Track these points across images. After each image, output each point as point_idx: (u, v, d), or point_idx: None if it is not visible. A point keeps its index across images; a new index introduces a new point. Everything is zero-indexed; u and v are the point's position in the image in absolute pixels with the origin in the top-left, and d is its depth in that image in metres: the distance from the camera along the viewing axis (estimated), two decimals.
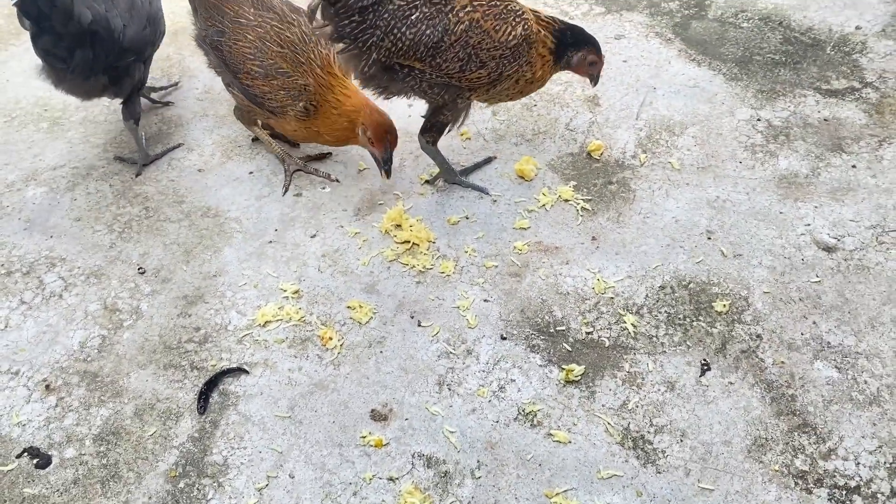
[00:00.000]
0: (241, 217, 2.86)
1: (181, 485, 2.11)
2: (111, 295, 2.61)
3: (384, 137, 2.58)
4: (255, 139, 3.14)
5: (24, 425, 2.26)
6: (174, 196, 2.96)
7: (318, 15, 2.48)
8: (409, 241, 2.70)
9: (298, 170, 3.01)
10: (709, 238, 2.70)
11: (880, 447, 2.12)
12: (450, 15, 2.48)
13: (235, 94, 2.90)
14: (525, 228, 2.76)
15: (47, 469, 2.16)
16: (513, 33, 2.52)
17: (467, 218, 2.81)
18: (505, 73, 2.58)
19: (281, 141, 3.10)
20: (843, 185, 2.86)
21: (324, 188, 2.96)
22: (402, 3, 2.48)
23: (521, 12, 2.56)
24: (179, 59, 3.63)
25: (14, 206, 2.94)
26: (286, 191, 2.95)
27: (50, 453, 2.19)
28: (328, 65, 2.65)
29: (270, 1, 2.78)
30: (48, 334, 2.49)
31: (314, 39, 2.66)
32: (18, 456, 2.19)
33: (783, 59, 3.44)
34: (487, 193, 2.88)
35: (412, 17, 2.47)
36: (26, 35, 3.77)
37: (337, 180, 2.98)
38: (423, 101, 2.73)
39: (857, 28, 3.59)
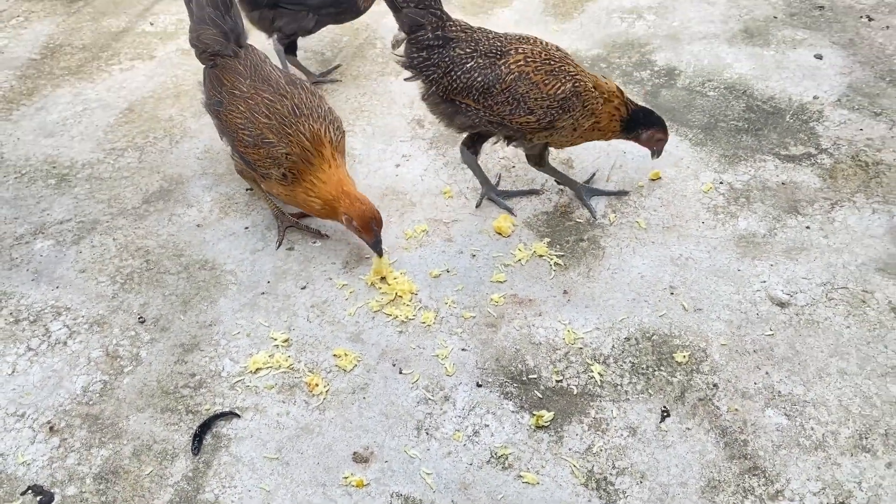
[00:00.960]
0: (236, 269, 3.06)
1: None
2: (113, 342, 2.79)
3: (370, 225, 2.79)
4: (250, 189, 3.35)
5: (28, 464, 2.41)
6: (174, 249, 3.16)
7: (401, 47, 2.99)
8: (393, 293, 2.89)
9: (291, 226, 3.21)
10: (672, 293, 2.90)
11: (823, 489, 2.30)
12: (502, 67, 2.85)
13: (235, 160, 3.12)
14: (502, 282, 2.96)
15: None
16: (562, 88, 2.86)
17: (448, 271, 3.01)
18: (557, 123, 2.89)
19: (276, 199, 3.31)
20: (798, 244, 3.08)
21: (314, 242, 3.17)
22: (462, 52, 2.87)
23: (574, 73, 2.88)
24: (182, 121, 3.87)
25: (23, 258, 3.14)
26: (279, 245, 3.15)
27: (53, 491, 2.34)
28: (317, 140, 2.84)
29: (269, 74, 3.01)
30: (53, 379, 2.66)
31: (306, 113, 2.87)
32: (23, 493, 2.34)
33: (746, 125, 3.70)
34: (512, 213, 3.23)
35: (467, 65, 2.87)
36: (38, 95, 4.03)
37: (326, 236, 3.19)
38: (495, 135, 3.11)
39: (815, 98, 3.85)
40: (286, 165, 2.82)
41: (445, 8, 2.96)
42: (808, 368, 2.62)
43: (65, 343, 2.79)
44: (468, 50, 2.89)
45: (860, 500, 2.27)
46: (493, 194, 3.28)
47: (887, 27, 4.37)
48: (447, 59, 2.89)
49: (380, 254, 2.88)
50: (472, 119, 2.97)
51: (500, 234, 3.16)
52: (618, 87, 3.00)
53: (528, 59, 2.87)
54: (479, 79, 2.87)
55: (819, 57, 4.15)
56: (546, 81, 2.86)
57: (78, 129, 3.83)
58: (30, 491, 2.34)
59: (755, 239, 3.11)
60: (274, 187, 2.94)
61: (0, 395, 2.62)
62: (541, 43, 2.95)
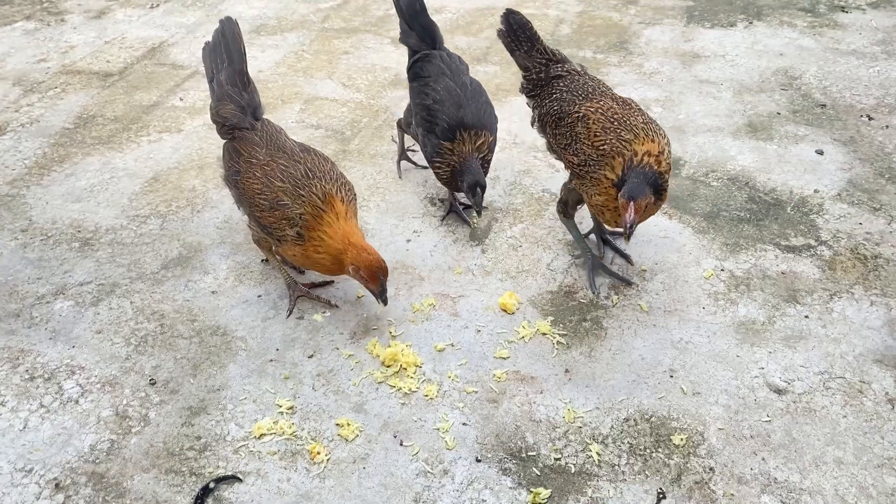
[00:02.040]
0: (246, 336, 3.15)
1: None
2: (123, 403, 2.86)
3: (376, 274, 2.90)
4: (265, 260, 3.47)
5: None
6: (188, 315, 3.26)
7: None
8: (398, 365, 2.97)
9: (302, 295, 3.32)
10: (671, 376, 2.95)
11: None
12: (579, 106, 3.12)
13: (252, 226, 3.26)
14: (505, 358, 3.03)
15: None
16: (606, 143, 2.98)
17: (453, 345, 3.09)
18: (588, 173, 3.03)
19: (290, 268, 3.43)
20: (796, 333, 3.14)
21: (324, 312, 3.26)
22: (558, 88, 3.29)
23: (627, 139, 2.96)
24: (204, 191, 4.03)
25: (42, 317, 3.24)
26: (290, 314, 3.24)
27: None
28: (329, 198, 2.98)
29: (283, 143, 3.20)
30: (62, 436, 2.73)
31: (318, 175, 3.03)
32: None
33: (747, 216, 3.81)
34: (629, 283, 3.40)
35: (555, 97, 3.28)
36: (69, 162, 4.21)
37: (336, 306, 3.28)
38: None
39: (816, 191, 3.97)
40: (300, 225, 2.95)
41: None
42: (804, 456, 2.65)
43: (76, 401, 2.86)
44: (563, 87, 3.27)
45: None
46: (594, 264, 3.43)
47: (887, 126, 4.53)
48: (545, 93, 3.34)
49: (384, 302, 2.98)
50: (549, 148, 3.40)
51: (505, 310, 3.25)
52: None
53: (602, 110, 3.07)
54: (556, 108, 3.22)
55: (820, 152, 4.29)
56: (597, 132, 3.02)
57: (104, 196, 3.99)
58: None
59: (754, 326, 3.17)
60: (290, 249, 3.05)
61: (10, 449, 2.68)
62: (629, 105, 3.13)
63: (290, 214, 2.99)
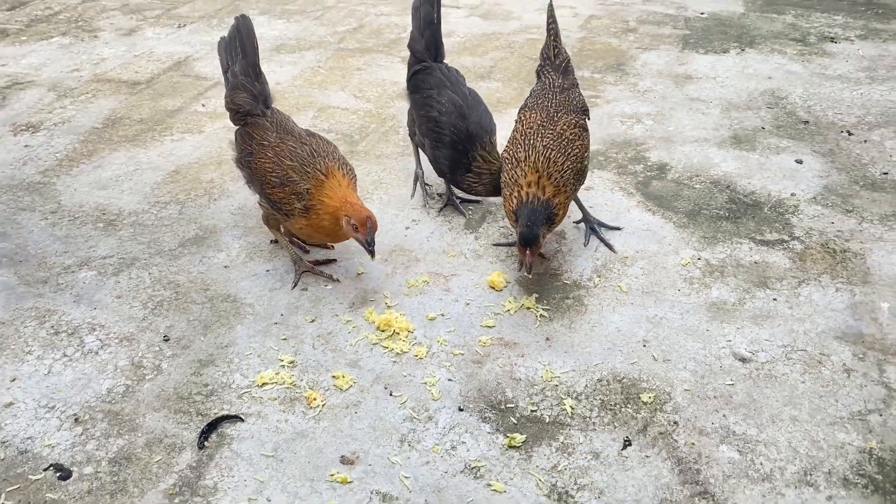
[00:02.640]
0: (254, 303, 3.41)
1: (176, 500, 2.53)
2: (138, 355, 3.12)
3: (365, 223, 3.18)
4: (274, 241, 3.76)
5: (52, 447, 2.71)
6: (201, 285, 3.53)
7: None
8: (391, 329, 3.22)
9: (307, 271, 3.59)
10: (644, 346, 3.18)
11: None
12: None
13: (262, 203, 3.55)
14: (491, 327, 3.28)
15: (68, 481, 2.59)
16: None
17: (443, 315, 3.34)
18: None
19: (296, 247, 3.71)
20: (764, 313, 3.37)
21: (326, 286, 3.53)
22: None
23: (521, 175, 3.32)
24: (221, 183, 4.34)
25: (67, 284, 3.53)
26: (295, 286, 3.51)
27: (71, 469, 2.63)
28: (330, 171, 3.29)
29: (292, 128, 3.53)
30: (82, 381, 2.99)
31: (322, 154, 3.35)
32: (45, 469, 2.62)
33: (726, 214, 4.06)
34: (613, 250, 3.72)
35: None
36: (97, 156, 4.54)
37: (338, 280, 3.55)
38: None
39: (793, 195, 4.23)
40: (307, 198, 3.24)
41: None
42: (762, 414, 2.87)
43: (96, 353, 3.13)
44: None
45: None
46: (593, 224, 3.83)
47: (865, 141, 4.79)
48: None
49: (371, 254, 3.24)
50: None
51: (493, 288, 3.50)
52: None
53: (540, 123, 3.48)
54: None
55: (800, 161, 4.55)
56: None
57: (128, 185, 4.31)
58: (51, 468, 2.63)
59: (725, 306, 3.41)
60: (297, 222, 3.33)
61: (35, 390, 2.94)
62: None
63: (298, 189, 3.28)
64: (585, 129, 3.57)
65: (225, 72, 3.72)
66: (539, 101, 3.54)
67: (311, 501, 2.53)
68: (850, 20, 6.83)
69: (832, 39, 6.38)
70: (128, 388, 2.96)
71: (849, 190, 4.28)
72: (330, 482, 2.59)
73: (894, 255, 3.74)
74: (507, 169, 3.38)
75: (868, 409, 2.89)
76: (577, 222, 3.91)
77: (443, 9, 4.17)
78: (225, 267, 3.66)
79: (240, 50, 3.67)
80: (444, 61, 4.18)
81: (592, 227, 3.84)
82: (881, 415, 2.87)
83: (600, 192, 4.25)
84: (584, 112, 3.70)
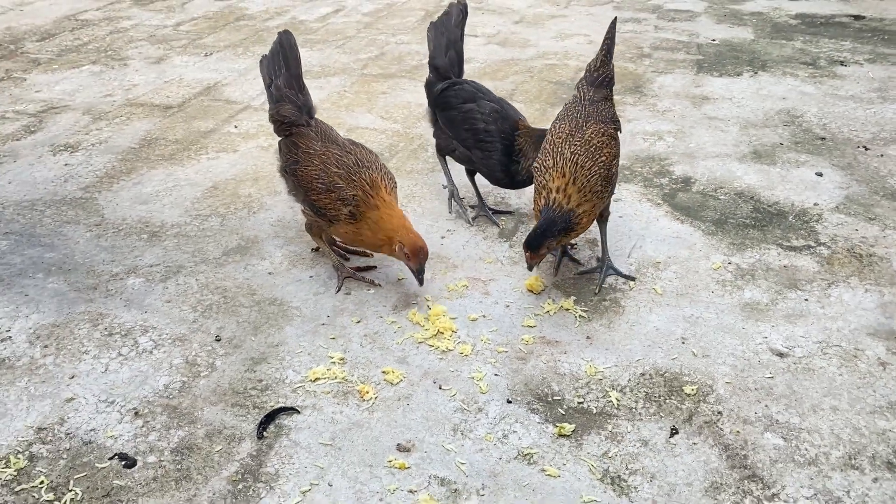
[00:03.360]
0: (300, 306, 3.51)
1: (240, 486, 2.60)
2: (192, 354, 3.21)
3: (418, 254, 3.32)
4: (316, 249, 3.87)
5: (115, 438, 2.79)
6: (248, 290, 3.64)
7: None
8: (435, 329, 3.31)
9: (349, 276, 3.70)
10: (683, 343, 3.28)
11: (815, 495, 2.57)
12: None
13: (306, 211, 3.67)
14: (532, 327, 3.37)
15: (133, 469, 2.66)
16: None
17: (484, 317, 3.44)
18: None
19: (337, 254, 3.82)
20: (797, 312, 3.46)
21: (368, 290, 3.63)
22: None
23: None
24: (259, 197, 4.46)
25: (117, 290, 3.63)
26: (338, 290, 3.61)
27: (136, 458, 2.70)
28: (374, 185, 3.42)
29: (336, 137, 3.66)
30: (139, 377, 3.08)
31: (366, 164, 3.48)
32: (110, 458, 2.70)
33: (752, 222, 4.18)
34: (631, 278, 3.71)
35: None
36: (136, 173, 4.68)
37: (379, 285, 3.65)
38: None
39: (815, 204, 4.35)
40: (353, 204, 3.36)
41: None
42: (803, 404, 2.95)
43: (151, 352, 3.22)
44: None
45: None
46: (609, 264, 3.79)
47: (882, 155, 4.93)
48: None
49: (420, 282, 3.37)
50: None
51: (531, 291, 3.60)
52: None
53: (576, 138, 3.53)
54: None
55: (820, 174, 4.68)
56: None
57: (168, 199, 4.44)
58: (116, 457, 2.70)
59: (758, 306, 3.50)
60: (342, 228, 3.45)
61: (94, 386, 3.03)
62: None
63: (344, 196, 3.41)
64: (614, 139, 3.68)
65: (268, 86, 3.87)
66: (569, 113, 3.66)
67: (372, 485, 2.60)
68: (858, 45, 7.03)
69: (842, 63, 6.57)
70: (184, 384, 3.05)
71: (870, 200, 4.40)
72: (388, 468, 2.66)
73: None
74: (536, 177, 3.49)
75: None
76: (598, 260, 3.84)
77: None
78: (269, 273, 3.76)
79: (283, 63, 3.82)
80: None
81: (610, 268, 3.74)
82: None
83: (629, 203, 4.37)
84: (615, 123, 3.81)
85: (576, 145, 3.43)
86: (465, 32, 4.36)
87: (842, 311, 3.47)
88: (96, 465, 2.68)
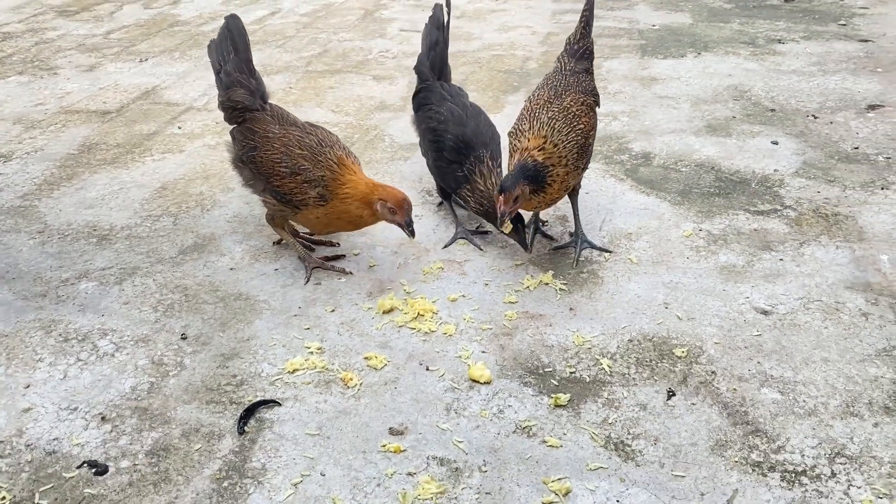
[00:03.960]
0: (268, 299, 3.34)
1: (225, 484, 2.42)
2: (158, 354, 3.01)
3: (403, 205, 3.18)
4: (278, 242, 3.70)
5: (82, 445, 2.57)
6: (210, 287, 3.44)
7: None
8: (415, 312, 3.18)
9: (317, 266, 3.53)
10: (666, 307, 3.22)
11: (820, 443, 2.53)
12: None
13: (267, 200, 3.50)
14: (513, 303, 3.27)
15: (105, 476, 2.46)
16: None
17: (464, 296, 3.32)
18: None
19: (302, 244, 3.65)
20: (774, 272, 3.45)
21: (339, 279, 3.48)
22: None
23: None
24: (211, 195, 4.26)
25: (69, 296, 3.39)
26: (307, 281, 3.45)
27: (107, 464, 2.49)
28: (342, 162, 3.29)
29: (294, 119, 3.51)
30: (102, 382, 2.86)
31: (329, 144, 3.34)
32: (78, 467, 2.49)
33: (717, 191, 4.18)
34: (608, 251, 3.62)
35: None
36: (78, 179, 4.43)
37: (351, 273, 3.51)
38: None
39: (776, 171, 4.38)
40: (321, 185, 3.22)
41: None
42: (794, 358, 2.92)
43: (112, 355, 3.00)
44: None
45: (853, 451, 2.50)
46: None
47: (831, 122, 5.01)
48: None
49: (412, 234, 3.25)
50: None
51: (474, 380, 2.89)
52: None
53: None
54: None
55: (775, 143, 4.73)
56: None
57: (116, 202, 4.20)
58: (85, 464, 2.49)
59: (735, 269, 3.48)
60: (311, 214, 3.29)
61: (53, 394, 2.80)
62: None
63: (311, 177, 3.26)
64: (593, 110, 3.62)
65: (217, 73, 3.69)
66: (549, 82, 3.60)
67: (368, 471, 2.45)
68: (792, 25, 7.19)
69: (780, 41, 6.71)
70: (153, 385, 2.85)
71: (826, 164, 4.46)
72: (383, 452, 2.52)
73: (881, 215, 3.89)
74: (511, 141, 3.41)
75: (892, 346, 2.97)
76: (571, 235, 3.77)
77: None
78: (231, 269, 3.58)
79: (232, 48, 3.64)
80: (449, 81, 4.21)
81: (584, 241, 3.66)
82: None
83: (593, 180, 4.32)
84: (594, 96, 3.74)
85: (553, 111, 3.36)
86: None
87: (817, 267, 3.47)
88: (63, 475, 2.46)
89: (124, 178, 4.48)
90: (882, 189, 4.14)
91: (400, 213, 3.20)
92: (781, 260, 3.54)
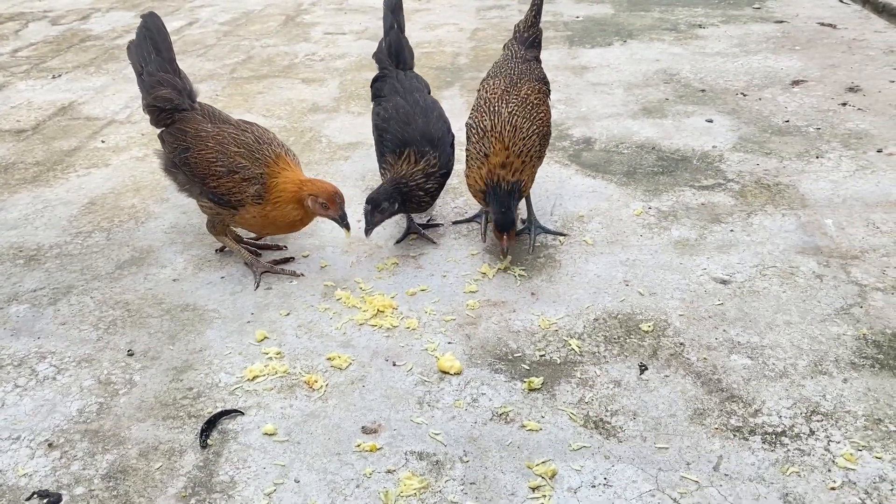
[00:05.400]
0: (218, 308, 3.17)
1: (192, 501, 2.26)
2: (104, 373, 2.82)
3: (334, 198, 3.08)
4: (221, 249, 3.53)
5: (30, 475, 2.37)
6: (153, 300, 3.26)
7: None
8: (374, 309, 3.07)
9: (266, 271, 3.39)
10: (626, 285, 3.20)
11: (795, 403, 2.54)
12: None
13: (204, 205, 3.33)
14: (474, 292, 3.20)
15: None
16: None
17: (423, 290, 3.23)
18: None
19: (248, 250, 3.50)
20: (727, 243, 3.48)
21: (291, 282, 3.34)
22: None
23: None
24: (144, 207, 4.06)
25: None
26: (257, 286, 3.30)
27: (60, 492, 2.30)
28: (279, 160, 3.17)
29: (226, 117, 3.37)
30: (45, 407, 2.66)
31: (266, 141, 3.22)
32: (28, 498, 2.29)
33: (660, 170, 4.21)
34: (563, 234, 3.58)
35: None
36: (2, 196, 4.15)
37: (302, 274, 3.37)
38: None
39: (714, 147, 4.45)
40: (260, 183, 3.09)
41: None
42: (758, 323, 2.93)
43: (54, 378, 2.80)
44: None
45: (827, 408, 2.52)
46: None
47: (760, 99, 5.13)
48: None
49: (347, 227, 3.13)
50: None
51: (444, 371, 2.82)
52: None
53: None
54: None
55: (710, 121, 4.81)
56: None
57: (41, 221, 3.95)
58: (35, 496, 2.30)
59: (689, 242, 3.50)
60: (248, 214, 3.15)
61: None
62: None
63: (249, 175, 3.12)
64: (548, 96, 3.60)
65: (140, 74, 3.48)
66: (501, 70, 3.54)
67: (345, 473, 2.33)
68: (710, 10, 7.38)
69: (700, 26, 6.86)
70: (102, 406, 2.66)
71: (761, 137, 4.55)
72: (358, 452, 2.40)
73: (820, 182, 3.99)
74: (473, 140, 3.33)
75: (849, 304, 3.02)
76: (524, 222, 3.70)
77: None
78: (174, 280, 3.39)
79: (153, 48, 3.45)
80: (410, 68, 3.99)
81: (538, 226, 3.62)
82: (861, 307, 3.00)
83: (539, 167, 4.28)
84: (546, 84, 3.71)
85: (513, 104, 3.31)
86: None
87: (767, 236, 3.52)
88: None
89: (48, 196, 4.23)
90: (817, 158, 4.24)
91: (332, 207, 3.08)
92: (732, 231, 3.57)
